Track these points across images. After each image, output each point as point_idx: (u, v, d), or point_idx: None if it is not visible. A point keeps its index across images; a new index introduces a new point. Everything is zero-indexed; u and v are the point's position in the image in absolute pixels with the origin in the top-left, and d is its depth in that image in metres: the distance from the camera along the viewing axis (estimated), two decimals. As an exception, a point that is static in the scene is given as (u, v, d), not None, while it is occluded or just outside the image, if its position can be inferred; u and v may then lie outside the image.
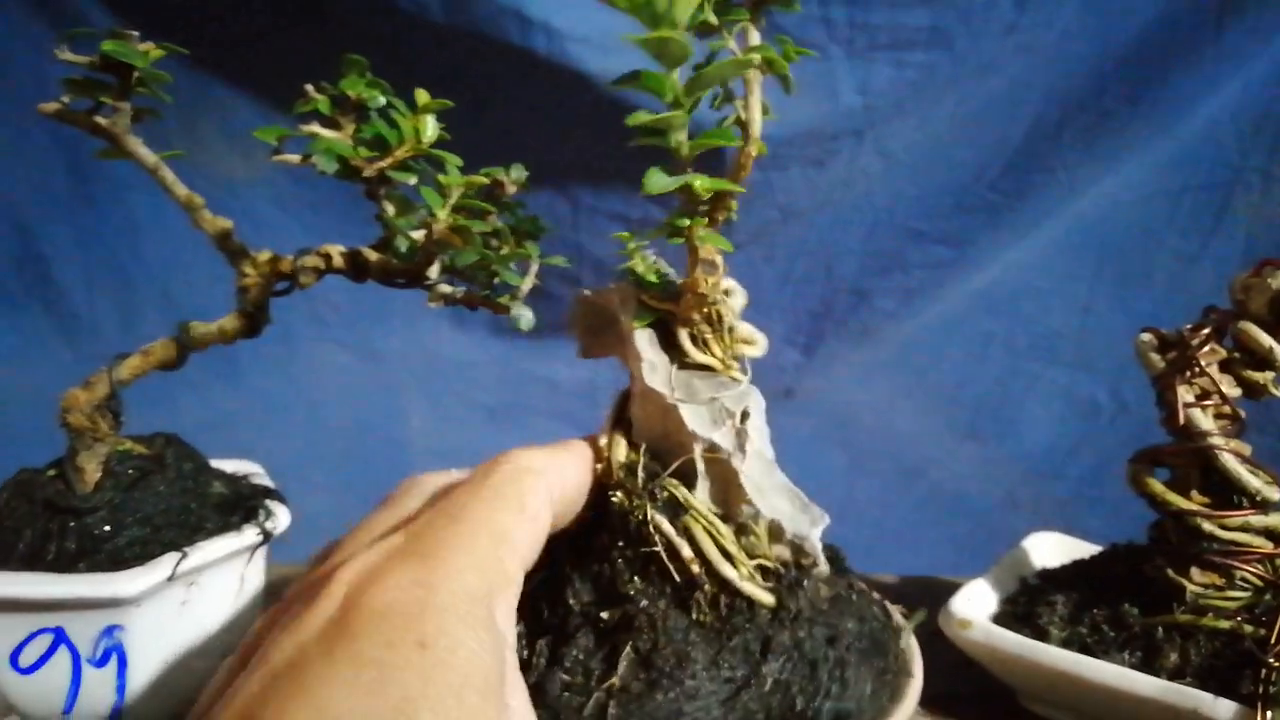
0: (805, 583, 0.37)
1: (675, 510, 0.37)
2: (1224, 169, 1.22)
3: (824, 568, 0.39)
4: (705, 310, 0.40)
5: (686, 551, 0.36)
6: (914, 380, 1.41)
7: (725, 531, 0.37)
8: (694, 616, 0.35)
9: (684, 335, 0.40)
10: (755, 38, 0.37)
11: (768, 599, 0.36)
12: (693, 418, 0.38)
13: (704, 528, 0.36)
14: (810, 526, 0.38)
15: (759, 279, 1.36)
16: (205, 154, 1.29)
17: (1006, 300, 1.34)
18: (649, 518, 0.36)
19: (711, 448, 0.38)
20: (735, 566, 0.36)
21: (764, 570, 0.37)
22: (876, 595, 0.42)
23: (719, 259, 0.39)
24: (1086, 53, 1.23)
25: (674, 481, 0.37)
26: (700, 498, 0.37)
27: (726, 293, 0.42)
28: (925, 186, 1.31)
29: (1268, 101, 1.20)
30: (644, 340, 0.40)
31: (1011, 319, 1.35)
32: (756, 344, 0.44)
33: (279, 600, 0.30)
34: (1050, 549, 0.59)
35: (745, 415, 0.39)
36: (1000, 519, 1.30)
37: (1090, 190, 1.28)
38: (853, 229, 1.34)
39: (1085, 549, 0.58)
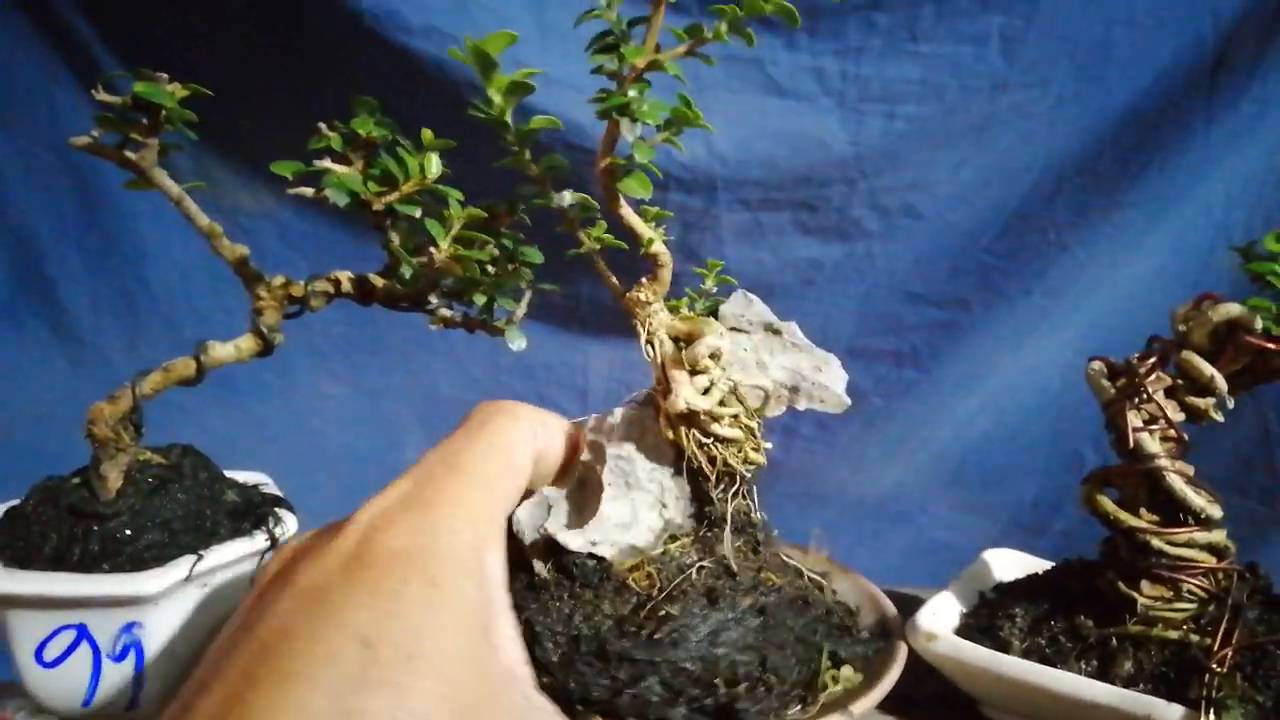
0: None
1: None
2: (1214, 234, 1.24)
3: None
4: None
5: None
6: (902, 432, 1.43)
7: None
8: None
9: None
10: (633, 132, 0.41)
11: None
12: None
13: None
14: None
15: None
16: (214, 188, 1.34)
17: (996, 357, 1.37)
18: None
19: None
20: None
21: None
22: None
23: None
24: (1081, 118, 1.26)
25: None
26: None
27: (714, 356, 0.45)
28: (921, 249, 1.34)
29: (1260, 170, 1.23)
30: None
31: (999, 375, 1.37)
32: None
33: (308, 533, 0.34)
34: (1006, 564, 0.62)
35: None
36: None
37: (1080, 255, 1.31)
38: (850, 290, 1.37)
39: (1039, 564, 0.61)
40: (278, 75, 1.26)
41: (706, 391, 0.44)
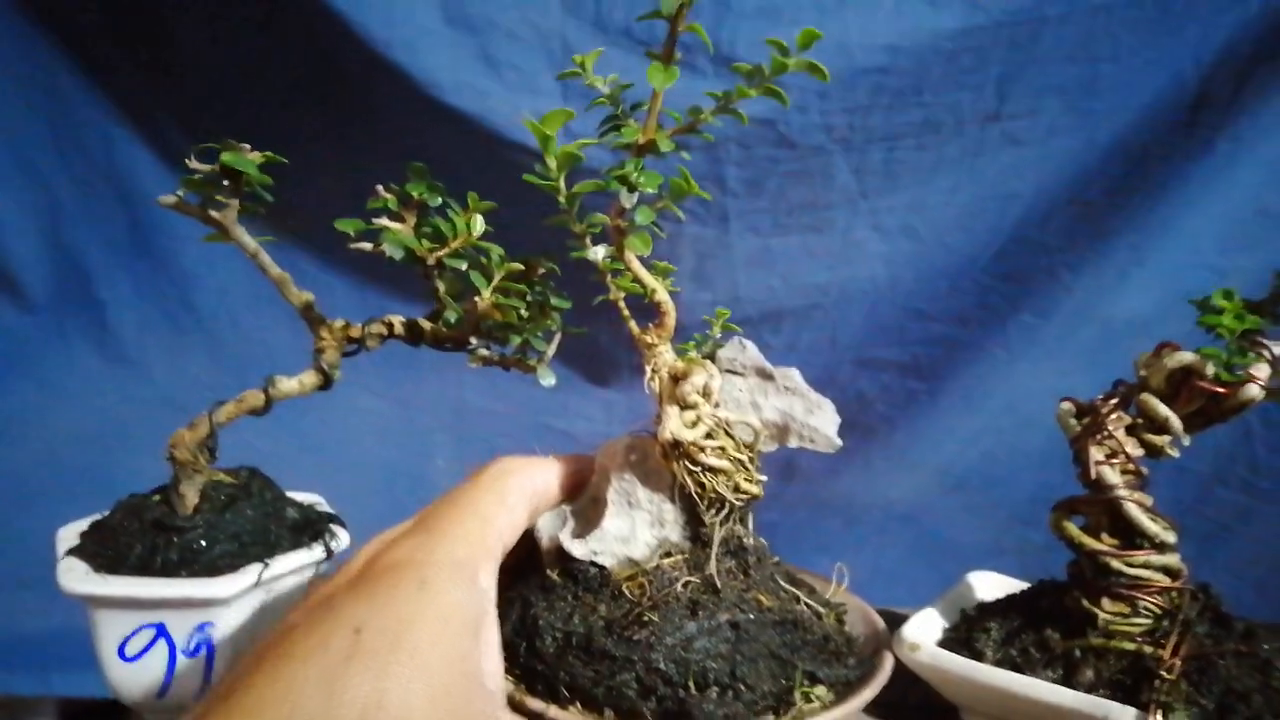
0: None
1: None
2: (1207, 275, 1.29)
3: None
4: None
5: None
6: (907, 438, 1.49)
7: None
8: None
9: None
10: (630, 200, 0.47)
11: None
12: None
13: None
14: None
15: (768, 348, 1.46)
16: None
17: (996, 371, 1.43)
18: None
19: None
20: None
21: None
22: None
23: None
24: (1071, 148, 1.32)
25: None
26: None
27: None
28: (922, 270, 1.41)
29: (1247, 212, 1.29)
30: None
31: (1000, 385, 1.43)
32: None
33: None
34: (987, 585, 0.67)
35: None
36: (986, 563, 1.39)
37: (1067, 279, 1.37)
38: (855, 305, 1.44)
39: (1017, 585, 0.66)
40: (314, 126, 1.34)
41: (694, 425, 0.49)
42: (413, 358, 1.56)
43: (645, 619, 0.45)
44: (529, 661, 0.45)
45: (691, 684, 0.44)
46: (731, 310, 1.42)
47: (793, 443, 0.53)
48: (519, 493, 0.44)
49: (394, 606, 0.33)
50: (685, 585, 0.48)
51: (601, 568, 0.48)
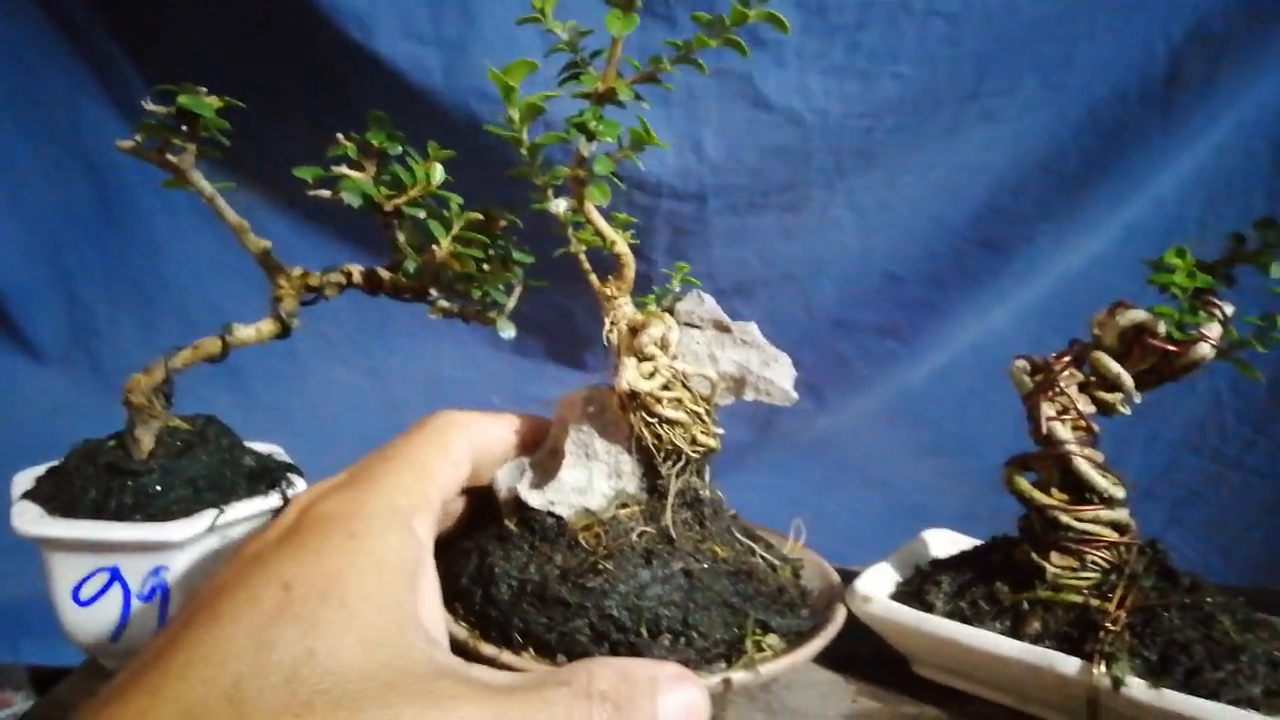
0: None
1: None
2: (1168, 225, 1.32)
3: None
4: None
5: None
6: (883, 402, 1.51)
7: None
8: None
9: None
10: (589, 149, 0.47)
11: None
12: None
13: None
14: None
15: (739, 316, 1.48)
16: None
17: (969, 331, 1.45)
18: None
19: None
20: None
21: None
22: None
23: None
24: (1045, 122, 1.34)
25: None
26: None
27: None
28: (895, 236, 1.43)
29: (1211, 171, 1.31)
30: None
31: (972, 351, 1.45)
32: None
33: None
34: (942, 542, 0.68)
35: None
36: (960, 528, 1.41)
37: (1048, 247, 1.39)
38: (829, 270, 1.45)
39: (971, 542, 0.67)
40: (288, 85, 1.33)
41: (651, 376, 0.50)
42: (386, 329, 1.57)
43: (600, 567, 0.46)
44: (484, 609, 0.46)
45: (644, 630, 0.45)
46: (705, 282, 1.43)
47: (749, 395, 0.53)
48: (463, 444, 0.44)
49: (323, 559, 0.33)
50: (640, 535, 0.48)
51: (558, 518, 0.48)
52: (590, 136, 0.47)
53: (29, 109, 1.44)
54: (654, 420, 0.50)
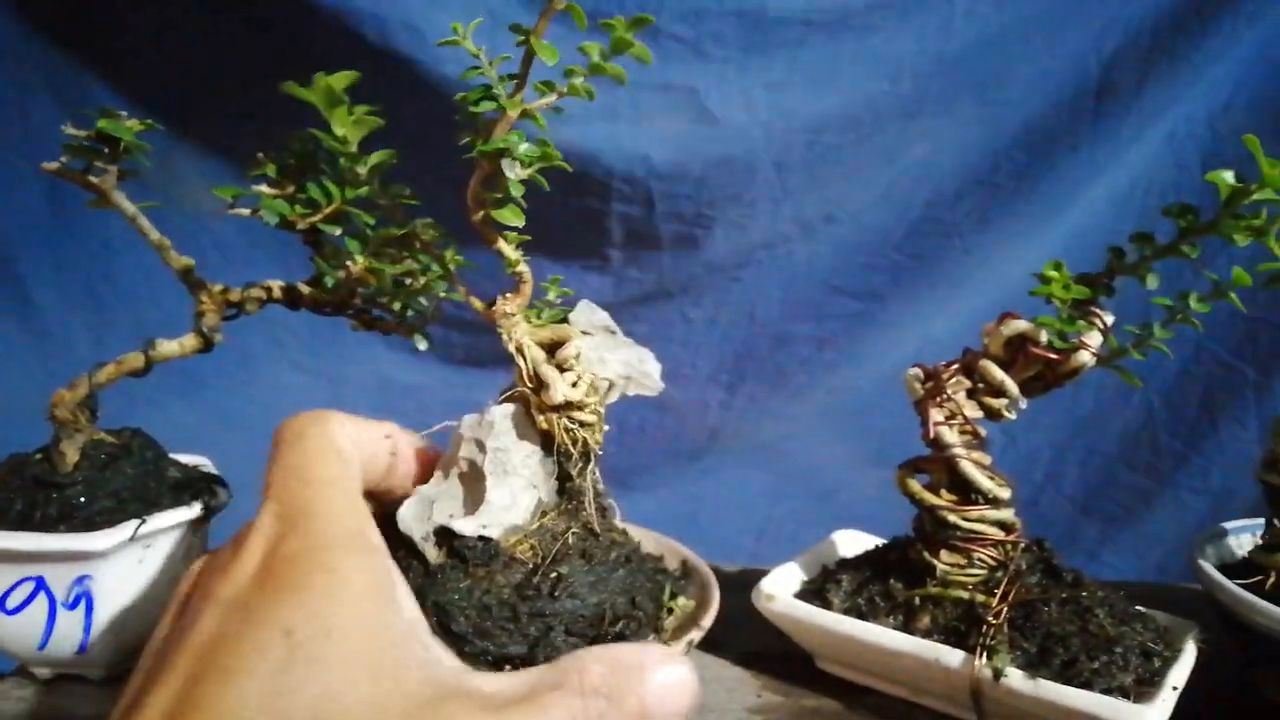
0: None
1: None
2: (1106, 240, 1.36)
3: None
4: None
5: None
6: (827, 413, 1.54)
7: None
8: None
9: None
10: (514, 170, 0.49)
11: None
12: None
13: None
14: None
15: (688, 323, 1.50)
16: (180, 188, 1.40)
17: (909, 342, 1.48)
18: None
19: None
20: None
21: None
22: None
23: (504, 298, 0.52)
24: (980, 136, 1.38)
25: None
26: None
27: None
28: (838, 248, 1.45)
29: (1145, 183, 1.35)
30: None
31: (914, 361, 1.49)
32: (549, 387, 0.52)
33: (205, 555, 0.40)
34: (850, 543, 0.72)
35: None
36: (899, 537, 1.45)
37: (985, 257, 1.43)
38: (773, 281, 1.48)
39: (878, 541, 0.70)
40: (248, 80, 1.34)
41: (575, 385, 0.52)
42: (338, 335, 1.58)
43: (555, 575, 0.48)
44: (449, 646, 0.45)
45: (608, 621, 0.47)
46: (655, 283, 1.45)
47: (632, 390, 0.56)
48: (346, 443, 0.43)
49: (312, 599, 0.33)
50: (571, 536, 0.51)
51: (488, 540, 0.49)
52: (514, 159, 0.48)
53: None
54: (574, 426, 0.52)
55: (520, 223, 0.51)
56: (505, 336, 0.52)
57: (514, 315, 0.52)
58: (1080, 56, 1.33)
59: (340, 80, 0.46)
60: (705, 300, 1.49)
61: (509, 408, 0.53)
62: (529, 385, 0.53)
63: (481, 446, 0.52)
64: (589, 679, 0.35)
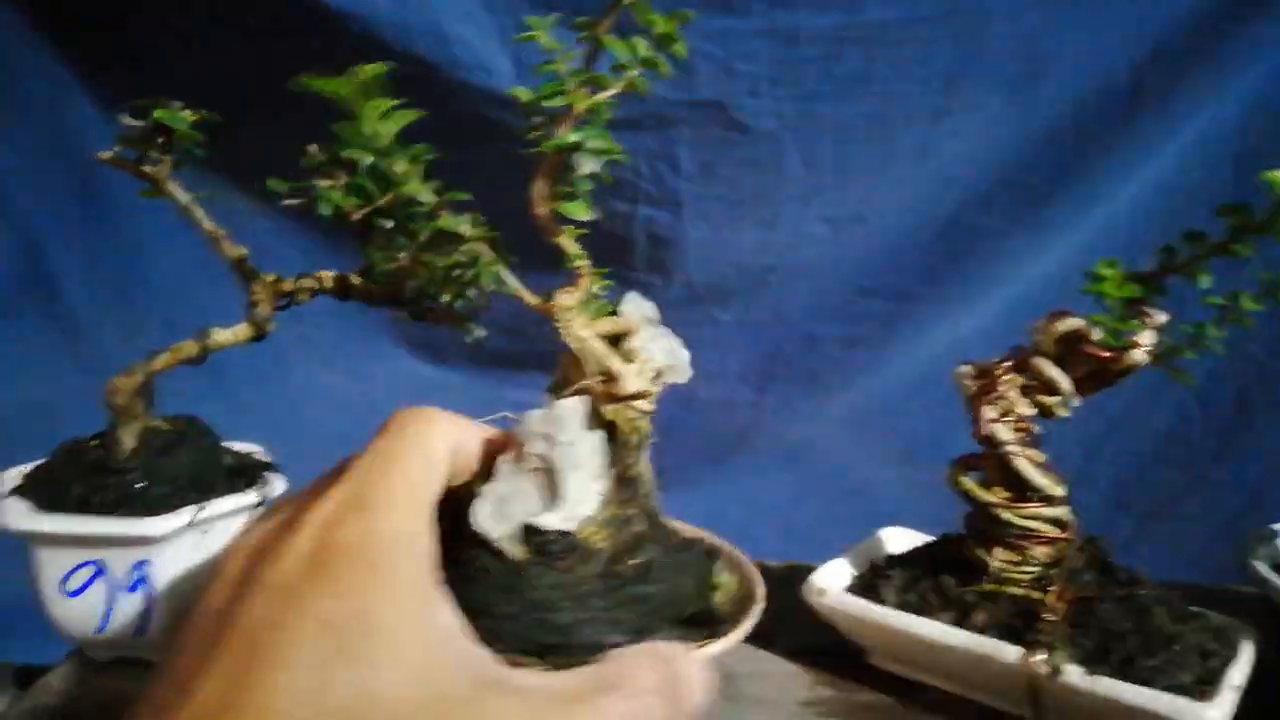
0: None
1: None
2: (1134, 240, 1.35)
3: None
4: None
5: None
6: (855, 412, 1.54)
7: None
8: None
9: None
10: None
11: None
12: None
13: None
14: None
15: (716, 325, 1.50)
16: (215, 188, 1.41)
17: (938, 342, 1.48)
18: None
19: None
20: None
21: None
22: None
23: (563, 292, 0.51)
24: (1012, 135, 1.37)
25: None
26: None
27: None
28: (867, 249, 1.45)
29: (1175, 184, 1.35)
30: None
31: (945, 361, 1.48)
32: (619, 380, 0.51)
33: (246, 531, 0.40)
34: (896, 539, 0.71)
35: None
36: (931, 533, 1.44)
37: (1016, 258, 1.42)
38: (802, 283, 1.48)
39: (926, 539, 0.70)
40: (271, 88, 1.35)
41: (640, 375, 0.52)
42: (368, 335, 1.59)
43: (637, 561, 0.48)
44: (542, 638, 0.45)
45: (687, 600, 0.48)
46: (683, 290, 1.44)
47: (668, 379, 0.55)
48: (442, 446, 0.44)
49: (357, 593, 0.33)
50: (637, 524, 0.50)
51: (567, 533, 0.48)
52: (587, 154, 0.49)
53: (11, 110, 1.45)
54: (636, 414, 0.52)
55: (588, 216, 0.51)
56: (564, 330, 0.52)
57: (573, 309, 0.52)
58: (1113, 58, 1.32)
59: (369, 72, 0.46)
60: (734, 302, 1.49)
61: (575, 401, 0.53)
62: (596, 377, 0.52)
63: (551, 441, 0.50)
64: (644, 680, 0.35)
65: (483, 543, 0.47)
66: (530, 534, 0.48)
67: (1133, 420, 1.41)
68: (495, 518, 0.48)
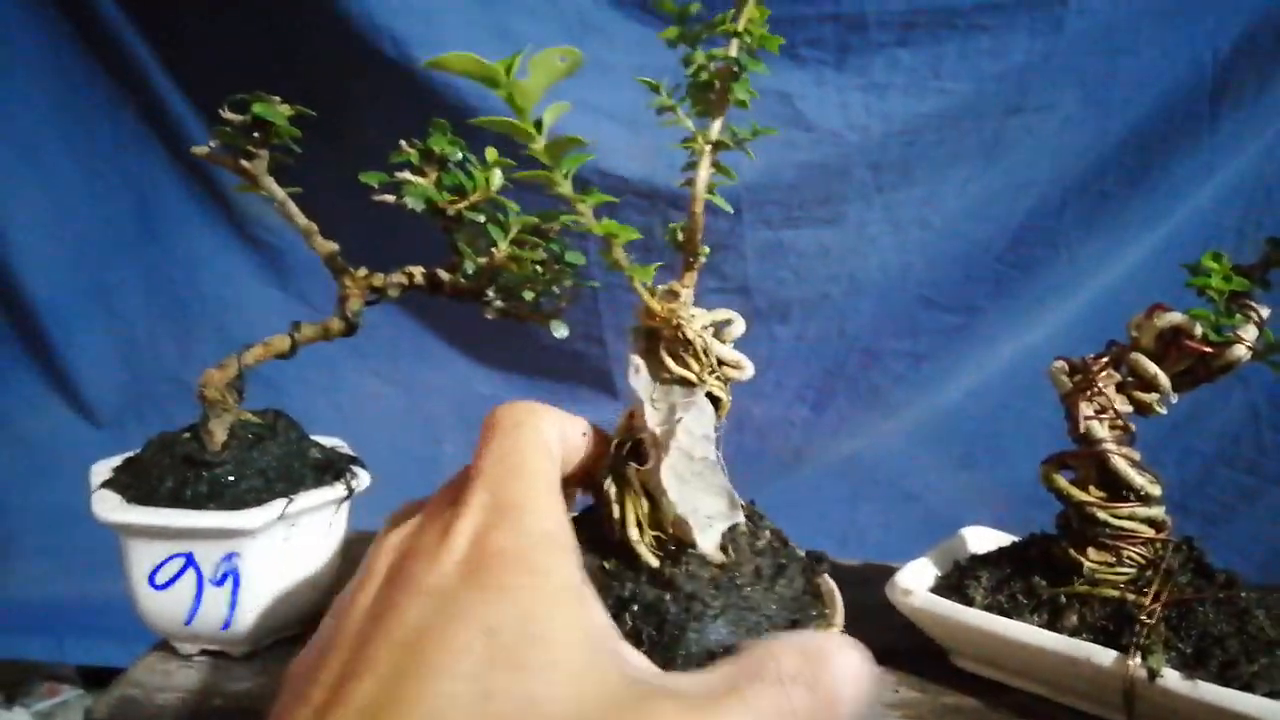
0: (684, 556, 0.46)
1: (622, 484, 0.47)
2: (1208, 240, 1.32)
3: (708, 549, 0.46)
4: (673, 331, 0.49)
5: (615, 513, 0.46)
6: (913, 421, 1.51)
7: (644, 506, 0.46)
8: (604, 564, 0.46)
9: (663, 351, 0.49)
10: (716, 128, 0.49)
11: (652, 561, 0.45)
12: (649, 415, 0.47)
13: (630, 500, 0.46)
14: (724, 521, 0.46)
15: (773, 341, 1.49)
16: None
17: (1005, 352, 1.45)
18: (605, 487, 0.47)
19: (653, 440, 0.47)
20: (640, 533, 0.45)
21: (658, 540, 0.46)
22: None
23: (679, 287, 0.49)
24: (1087, 139, 1.34)
25: (631, 463, 0.46)
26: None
27: (707, 322, 0.52)
28: (934, 257, 1.42)
29: (1251, 181, 1.31)
30: (636, 351, 0.51)
31: (1007, 367, 1.45)
32: (743, 369, 0.51)
33: (396, 529, 0.39)
34: (981, 538, 0.70)
35: (679, 418, 0.47)
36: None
37: (1090, 267, 1.39)
38: (865, 295, 1.45)
39: (1009, 539, 0.68)
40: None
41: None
42: (420, 344, 1.60)
43: (758, 558, 0.48)
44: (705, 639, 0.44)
45: (797, 608, 0.47)
46: (741, 299, 1.43)
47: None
48: (555, 441, 0.43)
49: (515, 598, 0.33)
50: (741, 527, 0.48)
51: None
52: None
53: (70, 123, 1.47)
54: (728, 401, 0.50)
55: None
56: (685, 325, 0.50)
57: (684, 300, 0.51)
58: (1193, 54, 1.29)
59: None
60: (793, 316, 1.47)
61: (696, 403, 0.51)
62: (708, 368, 0.50)
63: (709, 440, 0.48)
64: (785, 667, 0.34)
65: (617, 544, 0.46)
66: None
67: (1198, 420, 1.38)
68: (705, 532, 0.45)
